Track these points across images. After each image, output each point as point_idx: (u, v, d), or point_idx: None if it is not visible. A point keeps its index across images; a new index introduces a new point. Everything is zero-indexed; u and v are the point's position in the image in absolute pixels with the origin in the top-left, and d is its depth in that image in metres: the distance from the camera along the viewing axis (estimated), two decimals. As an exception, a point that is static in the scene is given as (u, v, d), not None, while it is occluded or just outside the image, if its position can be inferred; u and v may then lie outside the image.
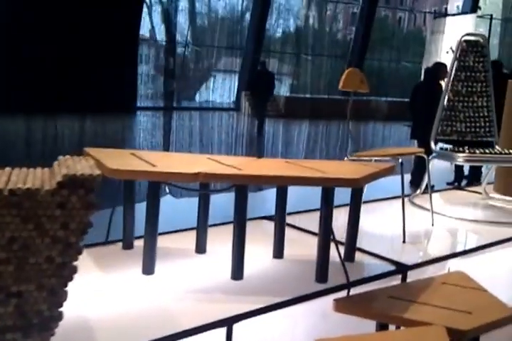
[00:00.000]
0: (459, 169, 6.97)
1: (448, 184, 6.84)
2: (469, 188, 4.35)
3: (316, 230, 2.94)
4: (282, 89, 22.20)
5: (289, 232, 2.95)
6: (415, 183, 6.72)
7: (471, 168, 6.70)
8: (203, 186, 2.47)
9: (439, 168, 7.26)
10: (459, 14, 12.07)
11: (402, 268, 2.47)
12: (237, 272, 2.24)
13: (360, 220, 3.33)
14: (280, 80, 22.99)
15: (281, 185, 2.18)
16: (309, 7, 24.57)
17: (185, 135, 12.13)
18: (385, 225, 3.15)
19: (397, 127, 13.77)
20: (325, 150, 10.23)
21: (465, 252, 2.78)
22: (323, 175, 2.11)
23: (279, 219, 2.49)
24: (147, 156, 2.40)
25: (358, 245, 2.69)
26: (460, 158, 3.42)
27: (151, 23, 22.26)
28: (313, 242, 2.79)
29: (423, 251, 2.79)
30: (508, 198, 4.01)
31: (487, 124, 3.84)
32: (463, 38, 3.79)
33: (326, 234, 2.21)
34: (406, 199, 3.81)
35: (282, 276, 2.34)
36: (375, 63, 21.93)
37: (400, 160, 2.87)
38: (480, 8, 18.67)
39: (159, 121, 15.20)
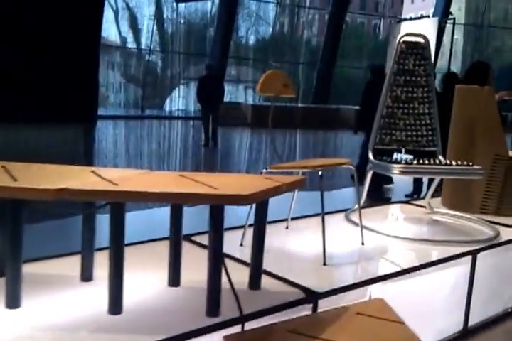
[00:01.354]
0: (417, 180, 6.72)
1: (407, 196, 6.59)
2: (416, 202, 4.07)
3: (229, 250, 2.66)
4: (252, 97, 22.02)
5: (201, 254, 2.66)
6: (369, 195, 6.48)
7: (429, 179, 6.47)
8: (87, 204, 2.16)
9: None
10: (418, 18, 11.90)
11: (312, 296, 2.17)
12: (114, 305, 1.92)
13: (285, 239, 3.07)
14: (252, 88, 22.79)
15: (160, 202, 1.87)
16: (282, 14, 24.44)
17: (134, 145, 11.73)
18: (310, 245, 2.86)
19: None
20: (269, 160, 9.89)
21: (391, 276, 2.50)
22: (207, 191, 1.80)
23: (174, 241, 2.18)
24: (19, 169, 2.08)
25: (270, 269, 2.40)
26: (395, 170, 3.14)
27: (117, 29, 21.99)
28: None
29: (343, 275, 2.49)
30: (453, 212, 3.75)
31: (429, 133, 3.58)
32: (402, 39, 3.53)
33: (215, 261, 1.90)
34: (342, 214, 3.55)
35: (170, 309, 2.02)
36: (346, 70, 21.82)
37: (320, 173, 2.58)
38: (451, 13, 18.67)
39: (119, 130, 14.80)
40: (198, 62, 20.01)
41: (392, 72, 3.52)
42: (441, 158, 3.53)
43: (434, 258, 2.79)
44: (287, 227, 3.19)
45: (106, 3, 20.01)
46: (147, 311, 1.99)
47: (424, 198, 4.11)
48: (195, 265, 2.26)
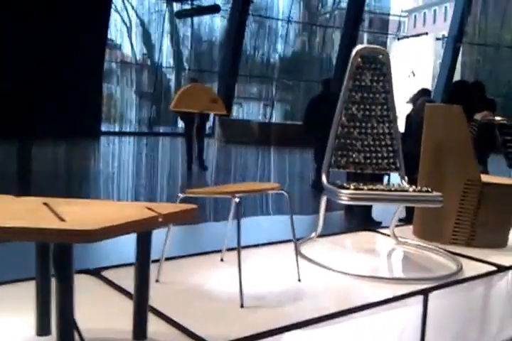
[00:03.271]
0: None
1: (401, 220, 6.19)
2: (384, 230, 3.70)
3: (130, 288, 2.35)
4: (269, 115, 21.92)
5: (103, 294, 2.36)
6: (348, 219, 6.12)
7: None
8: None
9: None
10: (417, 35, 11.53)
11: (201, 349, 1.85)
12: None
13: (212, 274, 2.71)
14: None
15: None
16: (303, 32, 24.35)
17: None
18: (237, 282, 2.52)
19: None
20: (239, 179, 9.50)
21: (313, 321, 2.15)
22: (47, 225, 1.50)
23: (41, 281, 1.87)
24: None
25: (173, 312, 2.09)
26: (343, 196, 2.80)
27: (130, 45, 22.11)
28: (124, 306, 2.19)
29: (256, 321, 2.13)
30: (420, 243, 3.38)
31: (390, 155, 3.24)
32: (358, 53, 3.21)
33: (62, 320, 1.57)
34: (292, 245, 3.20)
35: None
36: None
37: (238, 200, 2.26)
38: (466, 33, 18.47)
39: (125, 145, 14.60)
40: (212, 79, 19.87)
41: (348, 88, 3.20)
42: (404, 183, 3.19)
43: (379, 298, 2.43)
44: (222, 259, 2.86)
45: (120, 19, 20.15)
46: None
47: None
48: (87, 308, 1.95)
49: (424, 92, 6.22)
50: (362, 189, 2.84)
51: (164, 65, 21.29)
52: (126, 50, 22.52)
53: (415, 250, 3.30)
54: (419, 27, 35.18)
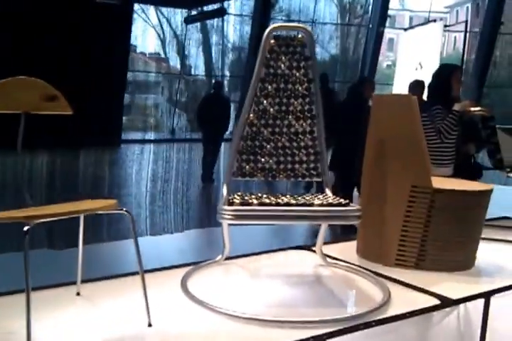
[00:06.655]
0: None
1: None
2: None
3: None
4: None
5: None
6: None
7: None
8: None
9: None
10: (420, 25, 10.61)
11: None
12: None
13: (48, 315, 2.13)
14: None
15: None
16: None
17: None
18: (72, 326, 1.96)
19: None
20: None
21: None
22: None
23: None
24: None
25: None
26: (226, 215, 2.16)
27: (165, 55, 22.22)
28: None
29: None
30: (353, 266, 2.71)
31: (311, 158, 2.60)
32: (271, 33, 2.57)
33: None
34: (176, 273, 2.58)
35: None
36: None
37: (26, 228, 1.67)
38: (503, 23, 17.51)
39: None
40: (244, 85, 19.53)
41: (258, 77, 2.58)
42: (328, 192, 2.55)
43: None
44: (78, 293, 2.30)
45: (153, 31, 20.40)
46: None
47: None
48: None
49: (417, 85, 5.40)
50: (250, 204, 2.22)
51: (196, 73, 21.32)
52: (170, 61, 22.85)
53: (343, 275, 2.64)
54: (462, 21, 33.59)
